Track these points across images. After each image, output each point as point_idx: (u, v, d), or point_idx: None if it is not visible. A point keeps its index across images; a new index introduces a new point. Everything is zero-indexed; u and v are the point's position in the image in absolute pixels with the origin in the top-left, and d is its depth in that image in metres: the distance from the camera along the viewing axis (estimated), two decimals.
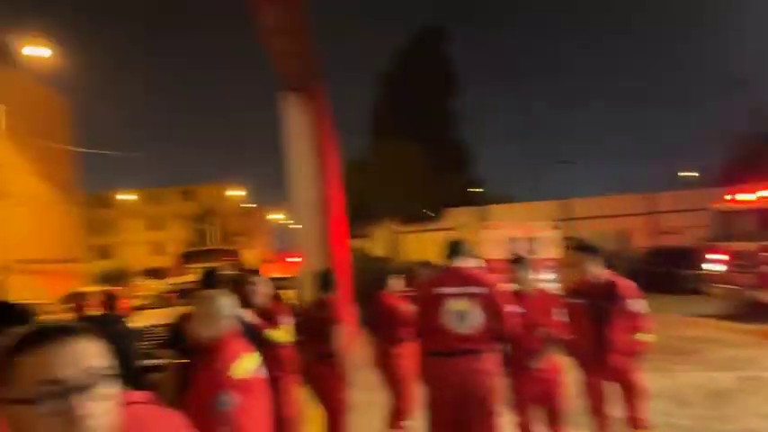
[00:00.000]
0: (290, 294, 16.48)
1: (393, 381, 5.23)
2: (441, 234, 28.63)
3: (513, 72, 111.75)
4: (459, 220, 27.37)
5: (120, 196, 52.95)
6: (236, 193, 52.09)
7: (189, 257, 19.31)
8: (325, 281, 5.06)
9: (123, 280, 39.62)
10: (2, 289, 20.32)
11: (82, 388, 0.97)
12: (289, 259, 45.91)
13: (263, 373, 2.55)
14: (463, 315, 3.67)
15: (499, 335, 3.72)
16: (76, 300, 19.14)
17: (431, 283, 4.01)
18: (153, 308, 11.14)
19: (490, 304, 3.66)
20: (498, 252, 19.11)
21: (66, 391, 0.96)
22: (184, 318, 3.92)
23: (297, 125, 9.00)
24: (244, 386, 2.39)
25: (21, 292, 20.74)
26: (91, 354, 1.02)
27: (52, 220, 26.60)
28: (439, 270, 4.20)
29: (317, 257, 9.09)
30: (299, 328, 4.52)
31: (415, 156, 26.77)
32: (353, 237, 18.77)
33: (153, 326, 9.84)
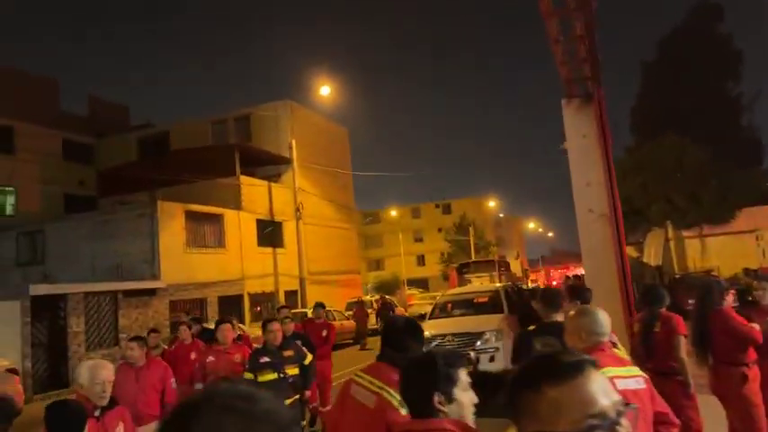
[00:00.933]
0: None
1: (740, 408, 4.53)
2: (733, 238, 24.86)
3: None
4: (757, 221, 23.44)
5: (385, 212, 57.95)
6: (490, 203, 52.88)
7: (464, 268, 20.52)
8: (654, 295, 4.82)
9: (395, 289, 43.06)
10: (302, 296, 23.57)
11: (617, 420, 0.92)
12: (561, 270, 44.54)
13: (636, 385, 2.37)
14: None
15: None
16: (358, 306, 21.24)
17: None
18: (434, 318, 11.68)
19: None
20: None
21: (610, 424, 0.91)
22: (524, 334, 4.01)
23: (580, 132, 8.62)
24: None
25: (315, 299, 24.02)
26: (608, 384, 0.97)
27: (335, 237, 30.17)
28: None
29: (603, 268, 8.55)
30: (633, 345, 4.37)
31: (694, 151, 23.72)
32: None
33: (439, 335, 10.38)
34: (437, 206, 61.39)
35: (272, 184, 25.64)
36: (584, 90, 8.71)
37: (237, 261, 22.59)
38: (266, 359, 5.36)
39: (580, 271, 36.51)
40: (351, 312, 22.48)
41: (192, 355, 6.94)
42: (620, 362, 2.47)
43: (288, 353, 5.53)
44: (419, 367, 1.72)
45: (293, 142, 23.72)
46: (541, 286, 20.46)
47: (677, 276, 20.92)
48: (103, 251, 19.00)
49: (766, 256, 18.21)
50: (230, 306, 21.73)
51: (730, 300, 4.84)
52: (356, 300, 24.67)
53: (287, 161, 25.25)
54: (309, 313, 19.18)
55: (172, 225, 19.64)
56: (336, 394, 2.70)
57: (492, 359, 9.85)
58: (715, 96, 32.65)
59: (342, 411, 2.48)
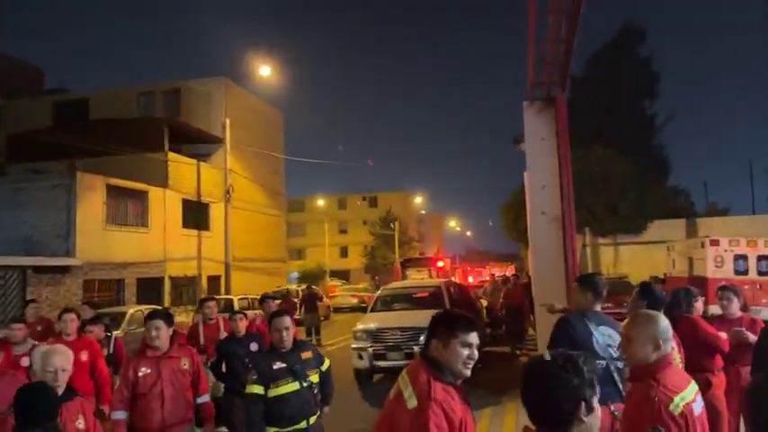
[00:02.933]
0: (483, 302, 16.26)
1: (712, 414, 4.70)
2: (643, 248, 26.45)
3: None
4: (664, 233, 25.02)
5: (310, 201, 57.20)
6: (417, 199, 53.48)
7: (407, 263, 21.21)
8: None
9: (318, 280, 42.63)
10: (227, 282, 22.75)
11: None
12: (477, 270, 45.58)
13: (701, 407, 2.32)
14: None
15: None
16: (285, 296, 20.80)
17: None
18: (376, 311, 11.56)
19: None
20: (722, 271, 16.96)
21: None
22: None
23: (539, 134, 8.76)
24: (682, 423, 2.17)
25: (238, 286, 23.29)
26: None
27: (263, 223, 29.39)
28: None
29: (552, 270, 8.76)
30: None
31: (618, 164, 25.00)
32: None
33: (385, 329, 10.26)
34: (364, 199, 61.39)
35: (201, 163, 24.54)
36: (545, 93, 8.85)
37: (160, 242, 21.44)
38: (281, 364, 3.94)
39: (501, 272, 37.60)
40: (277, 302, 21.89)
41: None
42: (685, 378, 2.37)
43: (306, 354, 4.14)
44: (562, 369, 1.50)
45: (227, 121, 22.77)
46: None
47: None
48: (11, 222, 17.39)
49: (676, 266, 19.43)
50: (149, 289, 20.59)
51: (699, 307, 4.98)
52: (282, 290, 24.09)
53: (218, 140, 24.22)
54: (236, 302, 18.59)
55: (91, 198, 18.29)
56: None
57: None
58: (634, 114, 34.64)
59: None
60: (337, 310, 29.11)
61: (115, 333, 12.77)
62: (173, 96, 26.35)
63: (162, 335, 4.20)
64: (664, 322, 2.49)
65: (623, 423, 2.47)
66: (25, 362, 5.05)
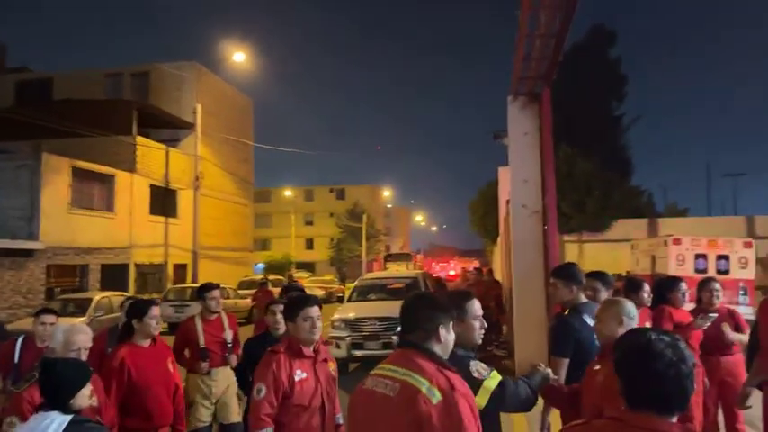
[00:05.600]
0: None
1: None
2: (607, 246, 27.16)
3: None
4: (627, 231, 25.75)
5: (277, 192, 56.62)
6: (385, 193, 53.52)
7: (388, 258, 22.21)
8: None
9: (284, 271, 42.28)
10: (194, 271, 22.35)
11: None
12: (441, 264, 45.87)
13: None
14: None
15: None
16: (262, 286, 20.53)
17: None
18: (353, 301, 11.59)
19: None
20: (683, 269, 17.59)
21: None
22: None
23: (522, 129, 8.88)
24: None
25: (204, 275, 22.90)
26: None
27: (232, 212, 28.99)
28: None
29: (532, 263, 8.91)
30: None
31: (583, 162, 25.58)
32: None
33: (362, 318, 10.28)
34: (331, 191, 61.14)
35: (171, 149, 24.04)
36: (531, 89, 8.97)
37: (126, 228, 20.95)
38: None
39: (468, 267, 38.01)
40: (252, 292, 21.53)
41: None
42: None
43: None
44: (660, 358, 1.44)
45: (199, 107, 22.33)
46: None
47: None
48: None
49: (639, 264, 20.00)
50: (114, 276, 20.11)
51: (680, 298, 5.11)
52: (260, 279, 23.46)
53: (188, 126, 23.77)
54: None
55: (56, 181, 17.74)
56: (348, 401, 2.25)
57: None
58: (601, 115, 35.41)
59: (354, 411, 2.14)
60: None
61: (80, 319, 12.51)
62: (142, 79, 25.71)
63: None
64: (629, 304, 2.82)
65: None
66: None
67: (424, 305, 2.17)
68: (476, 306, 2.62)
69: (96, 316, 12.99)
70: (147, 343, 3.80)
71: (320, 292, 30.31)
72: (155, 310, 3.80)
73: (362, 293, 11.69)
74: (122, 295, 14.84)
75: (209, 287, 5.16)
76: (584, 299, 3.49)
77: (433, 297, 2.30)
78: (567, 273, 3.60)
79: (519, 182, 9.08)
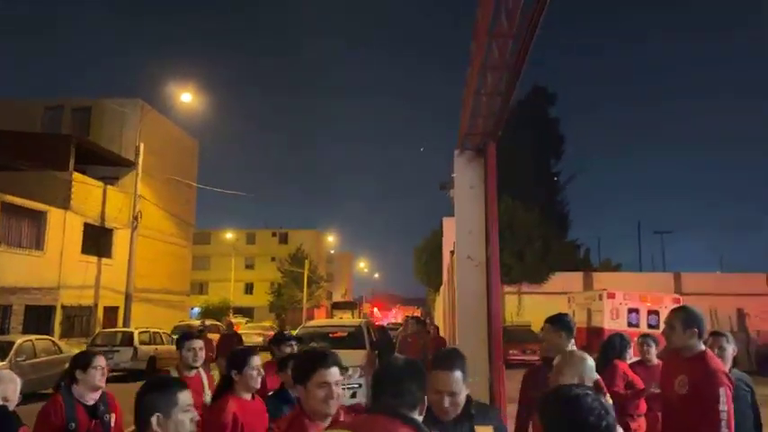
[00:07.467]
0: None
1: None
2: (545, 297, 27.86)
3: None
4: (564, 284, 26.56)
5: (217, 234, 55.37)
6: (329, 238, 53.26)
7: (336, 306, 21.88)
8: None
9: (221, 316, 40.97)
10: (126, 314, 21.32)
11: None
12: (384, 311, 45.42)
13: None
14: None
15: None
16: (202, 332, 19.74)
17: None
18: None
19: None
20: (617, 323, 18.19)
21: None
22: None
23: (468, 183, 9.12)
24: None
25: (138, 318, 21.90)
26: None
27: (169, 254, 28.08)
28: None
29: (476, 315, 9.00)
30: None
31: (523, 213, 26.47)
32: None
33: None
34: (274, 234, 60.33)
35: (109, 186, 23.25)
36: (476, 144, 9.26)
37: (55, 267, 19.89)
38: None
39: (410, 315, 38.02)
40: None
41: None
42: None
43: None
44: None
45: (141, 145, 21.82)
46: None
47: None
48: None
49: (576, 316, 20.56)
50: (38, 318, 18.94)
51: (630, 354, 5.34)
52: (198, 326, 22.56)
53: (129, 164, 23.13)
54: (137, 336, 17.22)
55: None
56: None
57: (354, 395, 9.72)
58: (541, 170, 36.93)
59: None
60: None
61: (1, 364, 11.64)
62: (83, 114, 25.00)
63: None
64: (591, 362, 2.81)
65: None
66: None
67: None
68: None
69: (18, 361, 12.12)
70: (249, 396, 3.24)
71: (259, 339, 29.48)
72: (256, 360, 3.26)
73: (304, 342, 11.43)
74: (48, 339, 13.98)
75: (190, 335, 4.39)
76: (571, 346, 3.61)
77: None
78: (558, 320, 3.66)
79: (464, 233, 9.25)
